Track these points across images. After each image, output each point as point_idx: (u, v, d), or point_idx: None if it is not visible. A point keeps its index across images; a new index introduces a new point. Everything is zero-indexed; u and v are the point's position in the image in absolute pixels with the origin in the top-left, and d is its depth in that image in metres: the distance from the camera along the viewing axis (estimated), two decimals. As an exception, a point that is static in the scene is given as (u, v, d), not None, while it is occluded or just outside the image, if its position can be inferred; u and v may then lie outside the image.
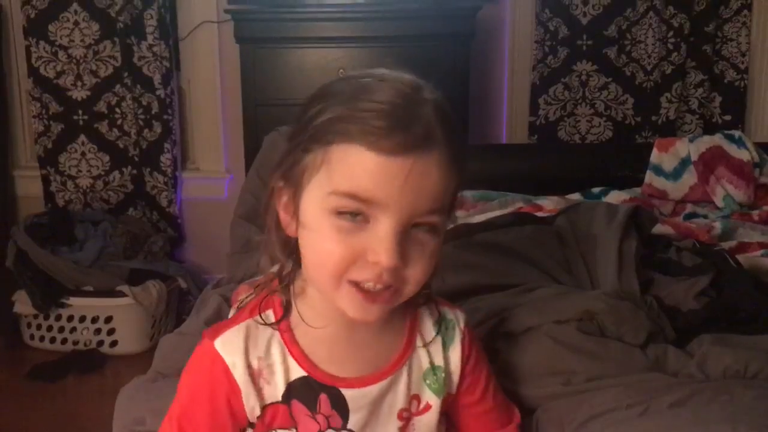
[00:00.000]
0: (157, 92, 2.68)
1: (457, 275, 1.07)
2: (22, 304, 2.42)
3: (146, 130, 2.72)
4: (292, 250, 0.72)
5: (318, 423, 0.74)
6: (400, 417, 0.77)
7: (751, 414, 0.76)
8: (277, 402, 0.73)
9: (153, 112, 2.70)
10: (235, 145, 2.69)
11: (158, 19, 2.63)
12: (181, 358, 1.10)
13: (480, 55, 2.63)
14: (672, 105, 2.63)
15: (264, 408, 0.73)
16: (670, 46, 2.60)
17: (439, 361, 0.78)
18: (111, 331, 2.44)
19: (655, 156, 1.95)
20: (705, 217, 1.77)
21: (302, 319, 0.73)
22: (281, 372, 0.73)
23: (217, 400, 0.73)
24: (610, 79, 2.66)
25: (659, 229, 1.39)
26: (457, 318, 0.81)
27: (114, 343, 2.45)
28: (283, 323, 0.74)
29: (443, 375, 0.78)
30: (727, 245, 1.39)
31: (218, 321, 1.20)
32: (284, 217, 0.71)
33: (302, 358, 0.73)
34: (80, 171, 2.78)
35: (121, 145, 2.76)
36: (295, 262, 0.73)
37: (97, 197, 2.79)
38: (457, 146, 0.67)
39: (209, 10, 2.72)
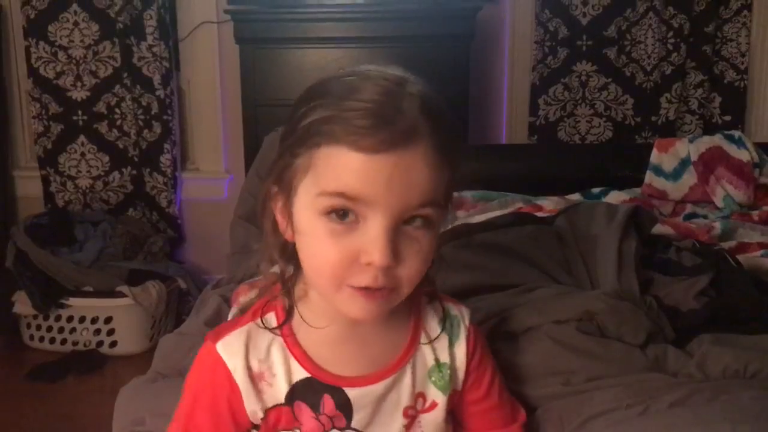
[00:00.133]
0: (157, 93, 2.68)
1: (456, 275, 1.07)
2: (22, 304, 2.42)
3: (146, 131, 2.72)
4: (291, 254, 0.72)
5: (322, 424, 0.74)
6: (405, 414, 0.77)
7: (750, 414, 0.76)
8: (279, 404, 0.73)
9: (153, 113, 2.70)
10: (235, 146, 2.69)
11: (158, 19, 2.63)
12: (180, 359, 1.11)
13: (480, 55, 2.63)
14: (672, 105, 2.63)
15: (267, 411, 0.73)
16: (670, 47, 2.60)
17: (444, 358, 0.78)
18: (111, 332, 2.44)
19: (654, 156, 1.94)
20: (705, 217, 1.77)
21: (304, 321, 0.73)
22: (283, 374, 0.73)
23: (218, 402, 0.73)
24: (609, 80, 2.66)
25: (659, 229, 1.39)
26: (462, 314, 0.81)
27: (114, 344, 2.45)
28: (281, 315, 0.74)
29: (449, 372, 0.78)
30: (727, 245, 1.39)
31: (218, 321, 1.21)
32: (281, 221, 0.71)
33: (305, 360, 0.74)
34: (80, 171, 2.78)
35: (121, 146, 2.76)
36: (295, 266, 0.74)
37: (97, 198, 2.79)
38: (446, 138, 0.67)
39: (209, 10, 2.72)
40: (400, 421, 0.77)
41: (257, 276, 1.18)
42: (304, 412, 0.74)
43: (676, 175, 1.92)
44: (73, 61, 2.69)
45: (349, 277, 0.66)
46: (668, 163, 1.93)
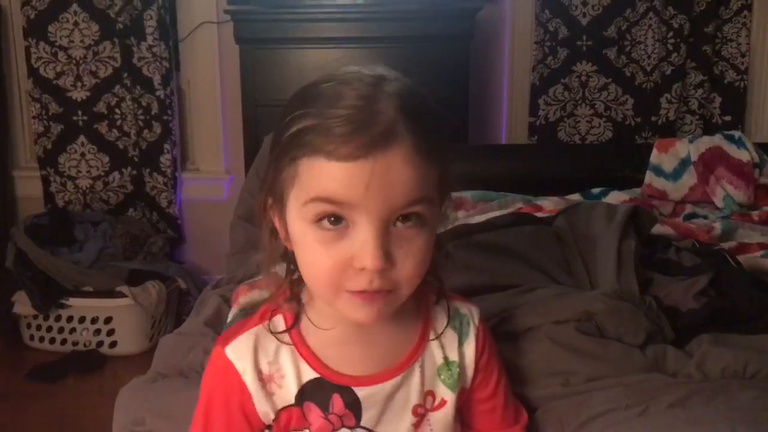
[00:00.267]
0: (157, 93, 2.68)
1: (456, 275, 1.07)
2: (22, 304, 2.42)
3: (146, 131, 2.72)
4: (293, 261, 0.73)
5: (331, 423, 0.74)
6: (414, 413, 0.77)
7: (749, 414, 0.76)
8: (290, 405, 0.74)
9: (153, 113, 2.70)
10: (235, 146, 2.69)
11: (158, 19, 2.63)
12: (180, 359, 1.11)
13: (480, 55, 2.63)
14: (672, 105, 2.63)
15: (278, 412, 0.74)
16: (670, 47, 2.60)
17: (453, 356, 0.78)
18: (110, 332, 2.44)
19: (654, 156, 1.94)
20: (705, 217, 1.77)
21: (311, 323, 0.74)
22: (292, 376, 0.74)
23: (231, 405, 0.74)
24: (609, 80, 2.66)
25: (659, 229, 1.39)
26: (472, 313, 0.81)
27: (113, 344, 2.45)
28: (289, 318, 0.75)
29: (458, 370, 0.78)
30: (727, 246, 1.38)
31: (218, 321, 1.21)
32: (280, 230, 0.72)
33: (313, 360, 0.74)
34: (80, 172, 2.78)
35: (121, 146, 2.76)
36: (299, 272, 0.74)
37: (97, 198, 2.79)
38: (427, 135, 0.66)
39: (209, 10, 2.72)
40: (409, 419, 0.77)
41: (257, 276, 1.18)
42: (314, 412, 0.74)
43: (676, 175, 1.91)
44: (73, 61, 2.69)
45: (345, 282, 0.66)
46: (668, 163, 1.93)
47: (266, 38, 2.39)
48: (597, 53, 2.64)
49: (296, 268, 0.73)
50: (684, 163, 1.92)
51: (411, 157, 0.64)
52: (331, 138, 0.63)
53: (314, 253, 0.67)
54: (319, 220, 0.65)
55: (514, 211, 1.56)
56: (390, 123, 0.64)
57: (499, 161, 2.09)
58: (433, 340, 0.78)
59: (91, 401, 2.13)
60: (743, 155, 1.88)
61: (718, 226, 1.53)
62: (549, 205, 1.62)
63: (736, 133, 1.97)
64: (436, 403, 0.78)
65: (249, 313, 0.79)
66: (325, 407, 0.74)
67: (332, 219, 0.65)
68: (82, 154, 2.77)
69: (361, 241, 0.64)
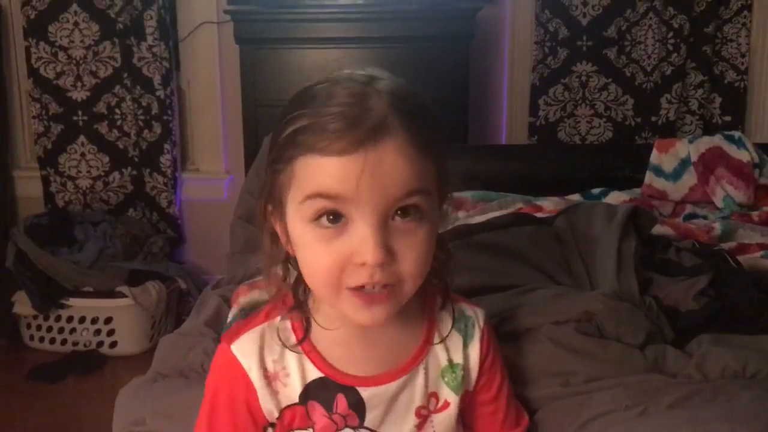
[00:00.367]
0: (157, 93, 2.68)
1: (456, 276, 1.07)
2: (22, 304, 2.42)
3: (146, 131, 2.72)
4: (295, 265, 0.73)
5: (335, 422, 0.75)
6: (417, 414, 0.77)
7: (749, 414, 0.76)
8: (294, 404, 0.74)
9: (153, 113, 2.70)
10: (235, 146, 2.69)
11: (158, 19, 2.63)
12: (180, 359, 1.11)
13: (480, 55, 2.63)
14: (672, 106, 2.63)
15: (282, 411, 0.75)
16: (670, 47, 2.60)
17: (458, 358, 0.79)
18: (111, 332, 2.44)
19: (654, 157, 1.94)
20: (705, 217, 1.77)
21: (317, 323, 0.74)
22: (297, 374, 0.74)
23: (236, 401, 0.75)
24: (610, 80, 2.66)
25: (659, 229, 1.39)
26: (477, 315, 0.81)
27: (114, 344, 2.45)
28: (297, 327, 0.75)
29: (462, 372, 0.79)
30: (726, 246, 1.38)
31: (218, 321, 1.21)
32: (281, 235, 0.73)
33: (318, 360, 0.74)
34: (80, 172, 2.78)
35: (121, 146, 2.76)
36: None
37: (97, 198, 2.79)
38: (420, 129, 0.66)
39: (209, 10, 2.72)
40: (412, 420, 0.77)
41: (257, 276, 1.18)
42: (317, 411, 0.75)
43: (676, 175, 1.91)
44: (73, 61, 2.69)
45: (346, 279, 0.66)
46: (668, 163, 1.93)
47: (266, 38, 2.39)
48: (597, 53, 2.64)
49: (298, 272, 0.73)
50: (684, 164, 1.92)
51: (404, 149, 0.65)
52: (324, 135, 0.64)
53: (314, 251, 0.67)
54: (317, 218, 0.66)
55: (514, 212, 1.56)
56: (381, 118, 0.64)
57: (499, 161, 2.09)
58: (438, 343, 0.78)
59: (91, 401, 2.13)
60: (743, 155, 1.88)
61: (717, 227, 1.53)
62: (549, 205, 1.62)
63: (736, 134, 1.97)
64: (440, 404, 0.78)
65: (249, 314, 0.79)
66: (329, 407, 0.74)
67: (331, 217, 0.65)
68: (82, 154, 2.77)
69: (360, 236, 0.65)
